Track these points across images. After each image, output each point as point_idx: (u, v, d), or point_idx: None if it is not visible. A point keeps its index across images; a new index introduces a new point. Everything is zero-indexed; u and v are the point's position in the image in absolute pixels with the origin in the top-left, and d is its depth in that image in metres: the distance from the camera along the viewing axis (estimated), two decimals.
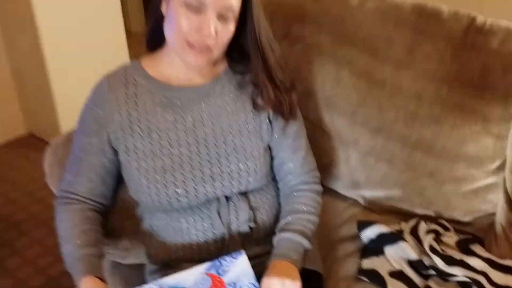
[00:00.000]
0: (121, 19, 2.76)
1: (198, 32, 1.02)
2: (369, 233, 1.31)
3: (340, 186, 1.47)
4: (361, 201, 1.45)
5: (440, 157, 1.30)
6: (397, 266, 1.24)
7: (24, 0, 2.34)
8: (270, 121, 1.18)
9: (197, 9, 1.00)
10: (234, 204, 1.14)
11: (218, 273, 1.03)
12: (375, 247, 1.28)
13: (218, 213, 1.13)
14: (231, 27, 1.05)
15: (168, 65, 1.13)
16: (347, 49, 1.41)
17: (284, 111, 1.17)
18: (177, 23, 1.02)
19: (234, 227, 1.14)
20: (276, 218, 1.21)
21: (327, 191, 1.49)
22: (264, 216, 1.18)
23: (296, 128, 1.22)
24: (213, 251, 1.14)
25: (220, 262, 1.04)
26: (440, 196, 1.33)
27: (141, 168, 1.10)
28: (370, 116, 1.38)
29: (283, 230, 1.14)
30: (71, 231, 1.09)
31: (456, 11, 1.36)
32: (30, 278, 1.91)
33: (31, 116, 2.81)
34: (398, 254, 1.25)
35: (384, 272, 1.23)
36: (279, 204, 1.24)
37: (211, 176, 1.11)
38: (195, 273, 1.03)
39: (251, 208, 1.16)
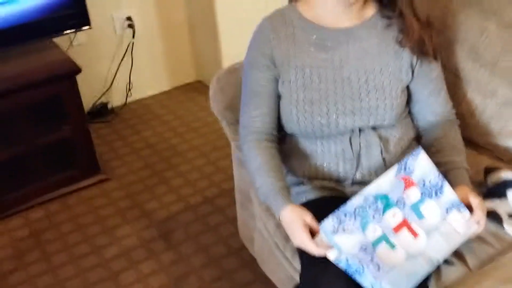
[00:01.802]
0: None
1: None
2: (494, 178, 1.34)
3: (474, 134, 1.51)
4: (494, 150, 1.48)
5: None
6: None
7: None
8: (412, 67, 1.27)
9: None
10: (366, 136, 1.27)
11: (406, 173, 1.11)
12: (499, 191, 1.32)
13: (350, 142, 1.27)
14: None
15: (321, 8, 1.26)
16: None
17: (427, 50, 1.25)
18: None
19: (363, 155, 1.27)
20: (404, 152, 1.32)
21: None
22: (392, 148, 1.29)
23: (437, 72, 1.30)
24: (341, 173, 1.29)
25: (405, 164, 1.11)
26: None
27: (293, 99, 1.26)
28: None
29: (456, 168, 1.24)
30: (264, 166, 1.25)
31: None
32: (190, 196, 2.24)
33: (200, 66, 3.16)
34: None
35: (503, 213, 1.27)
36: (407, 139, 1.33)
37: (351, 111, 1.25)
38: (389, 178, 1.11)
39: (382, 140, 1.28)
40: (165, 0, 2.89)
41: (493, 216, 1.26)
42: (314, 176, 1.32)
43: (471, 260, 1.22)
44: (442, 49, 1.46)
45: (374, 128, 1.28)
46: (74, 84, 2.13)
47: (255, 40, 1.31)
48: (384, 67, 1.26)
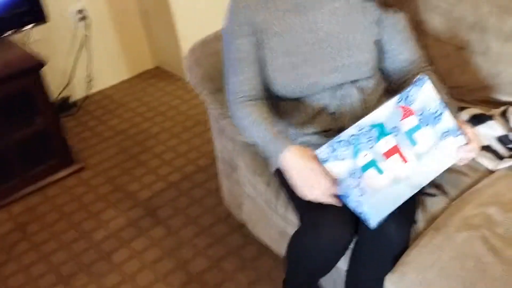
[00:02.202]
0: None
1: None
2: (463, 115, 1.48)
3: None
4: (457, 94, 1.61)
5: None
6: (486, 142, 1.41)
7: None
8: (380, 20, 1.36)
9: None
10: (346, 89, 1.37)
11: (407, 103, 1.14)
12: None
13: (332, 96, 1.37)
14: None
15: None
16: None
17: (390, 2, 1.35)
18: None
19: (346, 106, 1.37)
20: (379, 100, 1.42)
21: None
22: (369, 97, 1.40)
23: (404, 23, 1.40)
24: (328, 122, 1.38)
25: (407, 93, 1.15)
26: None
27: (276, 64, 1.33)
28: (466, 13, 1.52)
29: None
30: (257, 119, 1.29)
31: None
32: (169, 174, 2.29)
33: (158, 51, 3.18)
34: (487, 132, 1.42)
35: None
36: (381, 89, 1.44)
37: (333, 69, 1.33)
38: (388, 107, 1.14)
39: (360, 91, 1.38)
40: None
41: None
42: (300, 133, 1.41)
43: (451, 190, 1.35)
44: (402, 4, 1.58)
45: (352, 81, 1.38)
46: (40, 78, 2.14)
47: (234, 9, 1.36)
48: (355, 24, 1.36)
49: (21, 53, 2.20)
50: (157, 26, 3.03)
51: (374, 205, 1.13)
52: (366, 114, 1.35)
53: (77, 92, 2.95)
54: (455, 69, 1.59)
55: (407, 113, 1.15)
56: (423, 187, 1.19)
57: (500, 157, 1.37)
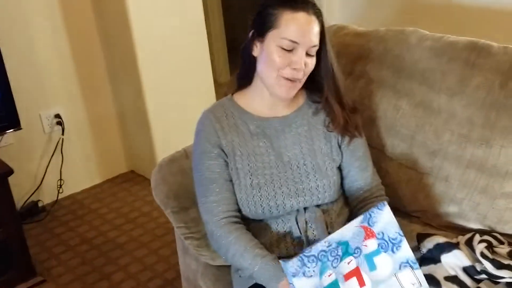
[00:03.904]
0: (210, 72, 3.09)
1: (290, 65, 1.26)
2: (428, 244, 1.45)
3: (403, 203, 1.63)
4: (422, 217, 1.60)
5: (491, 174, 1.44)
6: (452, 272, 1.37)
7: (131, 56, 2.73)
8: (339, 146, 1.39)
9: (290, 49, 1.26)
10: (310, 212, 1.36)
11: (369, 224, 1.17)
12: (433, 256, 1.42)
13: (296, 220, 1.35)
14: (314, 60, 1.31)
15: (257, 99, 1.38)
16: (406, 82, 1.61)
17: (351, 131, 1.38)
18: (272, 60, 1.27)
19: (310, 231, 1.35)
20: (345, 223, 1.40)
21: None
22: (335, 220, 1.38)
23: (363, 149, 1.43)
24: (291, 249, 1.35)
25: (370, 214, 1.17)
26: (492, 211, 1.46)
27: (242, 184, 1.34)
28: (428, 140, 1.55)
29: None
30: (245, 247, 1.28)
31: (506, 46, 1.52)
32: None
33: (133, 155, 3.18)
34: (453, 262, 1.39)
35: (440, 277, 1.36)
36: (347, 211, 1.43)
37: (295, 192, 1.34)
38: (352, 226, 1.17)
39: (325, 215, 1.37)
40: (93, 95, 2.95)
41: (431, 282, 1.36)
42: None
43: None
44: (363, 127, 1.61)
45: (317, 205, 1.37)
46: (6, 186, 2.10)
47: (202, 131, 1.38)
48: (317, 149, 1.38)
49: None
50: (133, 131, 3.06)
51: None
52: None
53: (47, 197, 2.90)
54: (419, 194, 1.58)
55: (369, 234, 1.16)
56: None
57: None
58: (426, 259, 1.43)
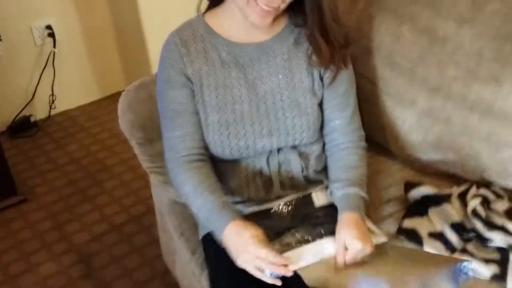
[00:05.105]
0: None
1: None
2: (415, 194, 1.29)
3: (395, 147, 1.45)
4: (416, 164, 1.42)
5: (497, 119, 1.24)
6: (438, 228, 1.22)
7: None
8: (321, 78, 1.19)
9: None
10: (284, 154, 1.20)
11: None
12: (420, 208, 1.27)
13: (267, 162, 1.20)
14: None
15: (230, 22, 1.16)
16: (410, 4, 1.37)
17: (336, 64, 1.17)
18: None
19: (283, 174, 1.20)
20: (323, 167, 1.26)
21: (382, 151, 1.48)
22: (313, 163, 1.23)
23: (346, 86, 1.22)
24: (262, 192, 1.21)
25: None
26: (495, 162, 1.27)
27: (208, 120, 1.16)
28: (429, 74, 1.33)
29: (347, 185, 1.16)
30: (200, 186, 1.14)
31: None
32: (115, 214, 2.11)
33: (130, 73, 3.02)
34: (441, 216, 1.23)
35: (424, 232, 1.21)
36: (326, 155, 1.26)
37: (269, 131, 1.17)
38: None
39: (302, 157, 1.21)
40: (87, 5, 2.73)
41: (413, 236, 1.20)
42: (237, 196, 1.24)
43: None
44: (358, 57, 1.40)
45: (293, 147, 1.21)
46: None
47: (166, 56, 1.19)
48: (297, 82, 1.18)
49: None
50: (130, 46, 2.87)
51: None
52: (309, 182, 1.22)
53: (40, 112, 2.78)
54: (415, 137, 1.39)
55: None
56: None
57: (451, 249, 1.17)
58: (412, 211, 1.28)
